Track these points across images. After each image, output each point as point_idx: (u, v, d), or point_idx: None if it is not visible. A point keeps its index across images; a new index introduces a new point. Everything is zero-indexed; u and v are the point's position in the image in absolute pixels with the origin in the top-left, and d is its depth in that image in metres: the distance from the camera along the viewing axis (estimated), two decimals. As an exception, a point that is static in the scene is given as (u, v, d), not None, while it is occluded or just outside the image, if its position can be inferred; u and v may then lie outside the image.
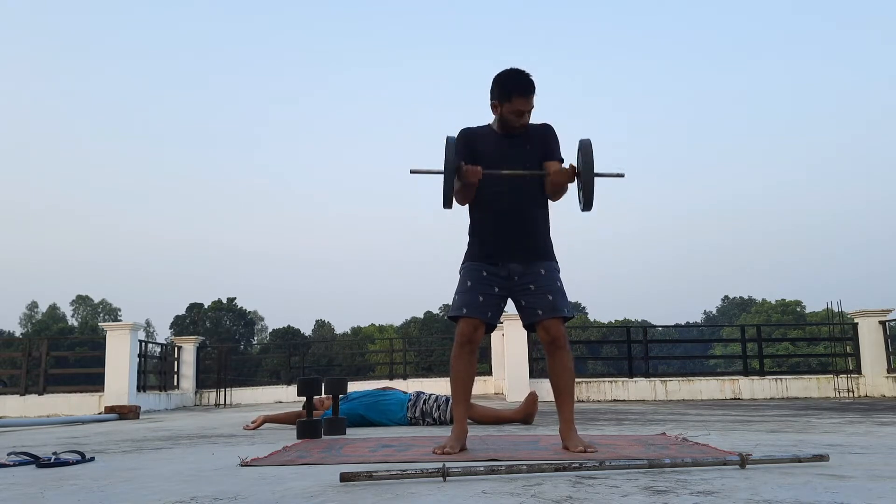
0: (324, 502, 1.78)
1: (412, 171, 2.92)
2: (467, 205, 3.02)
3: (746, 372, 11.03)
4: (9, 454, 3.04)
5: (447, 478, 2.04)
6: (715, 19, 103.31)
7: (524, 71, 2.89)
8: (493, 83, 2.93)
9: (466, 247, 3.01)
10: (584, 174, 2.79)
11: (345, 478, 2.04)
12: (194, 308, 62.96)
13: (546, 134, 2.98)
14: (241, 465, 2.58)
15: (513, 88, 2.86)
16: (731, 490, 1.81)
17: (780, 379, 10.86)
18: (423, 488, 1.94)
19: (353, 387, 14.22)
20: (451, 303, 2.97)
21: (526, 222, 2.91)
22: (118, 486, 2.20)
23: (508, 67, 2.91)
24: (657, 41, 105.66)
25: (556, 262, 2.97)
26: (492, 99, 2.94)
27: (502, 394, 11.44)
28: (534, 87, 2.88)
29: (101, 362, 10.98)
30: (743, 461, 2.19)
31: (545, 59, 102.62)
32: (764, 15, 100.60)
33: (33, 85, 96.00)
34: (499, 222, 2.91)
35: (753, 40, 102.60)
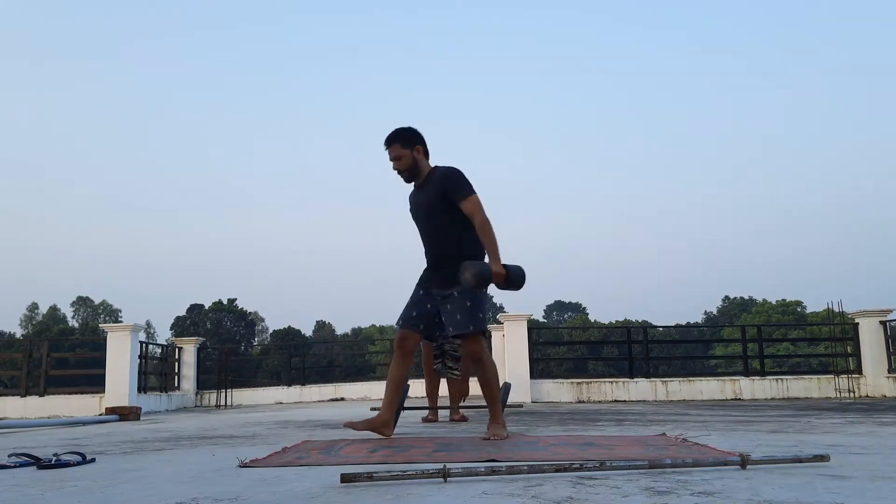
0: (325, 503, 1.78)
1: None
2: None
3: (747, 372, 11.01)
4: (10, 455, 3.04)
5: (448, 478, 2.04)
6: (727, 19, 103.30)
7: (393, 129, 3.57)
8: None
9: None
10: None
11: (345, 479, 2.04)
12: (195, 309, 62.89)
13: (443, 182, 3.47)
14: (241, 467, 2.58)
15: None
16: (731, 490, 1.81)
17: (781, 379, 10.85)
18: (423, 489, 1.94)
19: (355, 387, 14.10)
20: None
21: (436, 258, 3.51)
22: (119, 487, 2.20)
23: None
24: (675, 36, 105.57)
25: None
26: None
27: (503, 394, 11.43)
28: (391, 140, 3.53)
29: (101, 363, 10.96)
30: (744, 462, 2.19)
31: (550, 54, 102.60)
32: (782, 15, 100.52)
33: (34, 87, 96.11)
34: (426, 258, 3.59)
35: (763, 40, 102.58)
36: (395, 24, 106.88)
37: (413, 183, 3.63)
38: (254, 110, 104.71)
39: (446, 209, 3.46)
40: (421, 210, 3.56)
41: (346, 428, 3.56)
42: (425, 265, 3.62)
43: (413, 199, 3.66)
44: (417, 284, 3.62)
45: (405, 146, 3.53)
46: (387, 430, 3.50)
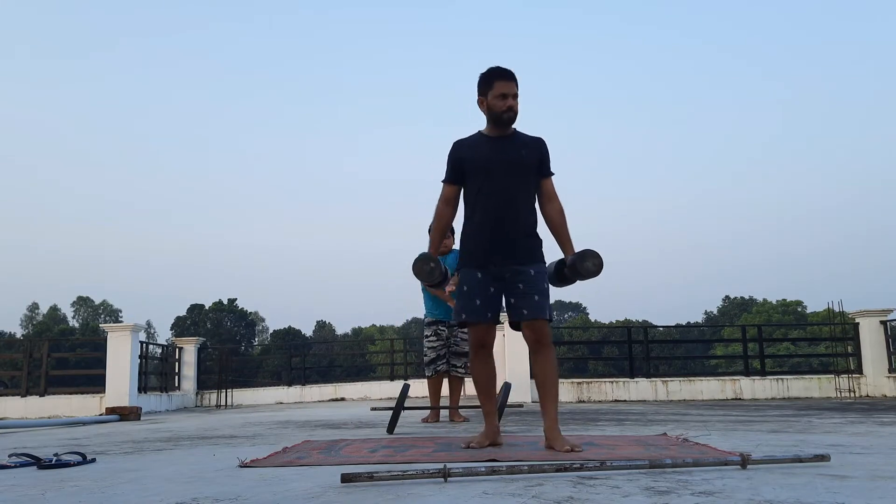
0: (325, 503, 1.78)
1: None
2: (463, 202, 3.14)
3: (747, 372, 11.01)
4: (10, 455, 3.05)
5: (448, 478, 2.04)
6: (729, 18, 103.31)
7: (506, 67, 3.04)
8: (478, 81, 3.07)
9: (460, 246, 3.13)
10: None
11: (346, 479, 2.04)
12: (195, 309, 62.89)
13: (542, 148, 3.09)
14: (241, 467, 2.58)
15: (493, 75, 3.02)
16: (732, 490, 1.81)
17: (782, 379, 10.85)
18: (424, 489, 1.94)
19: (355, 387, 14.09)
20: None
21: (516, 226, 2.99)
22: (119, 487, 2.20)
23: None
24: (671, 35, 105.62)
25: (544, 264, 3.07)
26: (478, 97, 3.07)
27: (503, 394, 11.43)
28: (514, 75, 3.02)
29: (102, 363, 10.96)
30: (744, 461, 2.19)
31: (551, 53, 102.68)
32: (782, 13, 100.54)
33: (33, 88, 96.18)
34: (490, 227, 2.99)
35: (763, 39, 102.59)
36: (393, 23, 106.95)
37: (488, 132, 3.08)
38: (254, 109, 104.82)
39: (537, 175, 3.07)
40: (510, 165, 2.99)
41: (466, 449, 2.93)
42: (479, 237, 3.02)
43: (490, 148, 3.04)
44: (470, 267, 3.04)
45: (517, 89, 3.05)
46: (500, 439, 3.11)
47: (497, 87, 2.99)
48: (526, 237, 3.01)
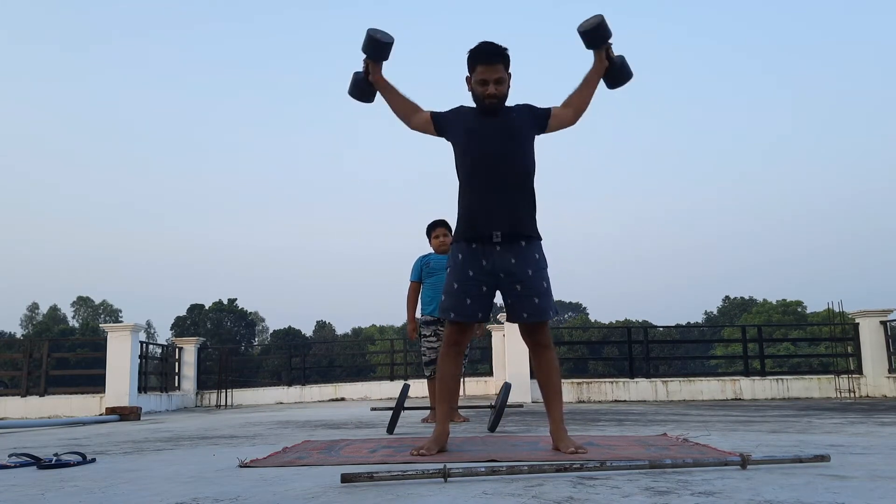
0: (325, 503, 1.78)
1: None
2: (458, 176, 2.95)
3: (747, 372, 11.01)
4: (10, 455, 3.05)
5: (448, 478, 2.04)
6: (734, 18, 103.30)
7: (491, 42, 2.83)
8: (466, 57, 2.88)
9: (456, 223, 2.95)
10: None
11: (346, 479, 2.04)
12: (195, 309, 62.90)
13: (529, 107, 2.94)
14: (241, 467, 2.58)
15: (475, 57, 2.83)
16: (732, 490, 1.81)
17: (782, 379, 10.85)
18: (424, 489, 1.94)
19: (355, 387, 14.09)
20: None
21: (511, 191, 2.81)
22: (119, 487, 2.20)
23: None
24: (664, 31, 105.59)
25: (541, 242, 2.89)
26: (466, 74, 2.91)
27: (503, 394, 11.42)
28: (499, 56, 2.81)
29: (102, 363, 10.95)
30: (744, 462, 2.19)
31: (553, 51, 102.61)
32: (787, 13, 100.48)
33: (32, 88, 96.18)
34: (484, 211, 2.80)
35: (765, 38, 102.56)
36: (393, 21, 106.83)
37: (478, 110, 2.90)
38: (253, 109, 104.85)
39: (533, 142, 2.89)
40: (504, 130, 2.83)
41: (413, 455, 2.73)
42: (473, 204, 2.84)
43: (483, 116, 2.87)
44: (463, 262, 2.83)
45: (507, 69, 2.83)
46: (448, 445, 2.95)
47: (478, 71, 2.81)
48: (521, 205, 2.83)
